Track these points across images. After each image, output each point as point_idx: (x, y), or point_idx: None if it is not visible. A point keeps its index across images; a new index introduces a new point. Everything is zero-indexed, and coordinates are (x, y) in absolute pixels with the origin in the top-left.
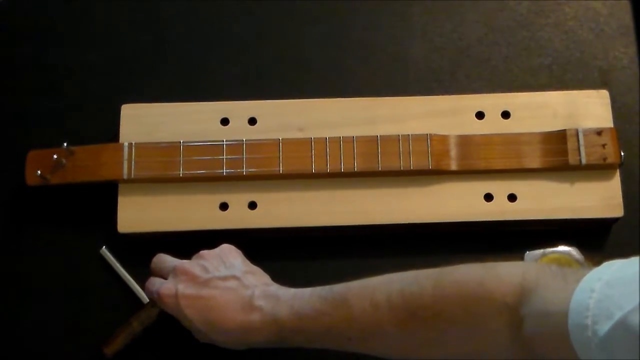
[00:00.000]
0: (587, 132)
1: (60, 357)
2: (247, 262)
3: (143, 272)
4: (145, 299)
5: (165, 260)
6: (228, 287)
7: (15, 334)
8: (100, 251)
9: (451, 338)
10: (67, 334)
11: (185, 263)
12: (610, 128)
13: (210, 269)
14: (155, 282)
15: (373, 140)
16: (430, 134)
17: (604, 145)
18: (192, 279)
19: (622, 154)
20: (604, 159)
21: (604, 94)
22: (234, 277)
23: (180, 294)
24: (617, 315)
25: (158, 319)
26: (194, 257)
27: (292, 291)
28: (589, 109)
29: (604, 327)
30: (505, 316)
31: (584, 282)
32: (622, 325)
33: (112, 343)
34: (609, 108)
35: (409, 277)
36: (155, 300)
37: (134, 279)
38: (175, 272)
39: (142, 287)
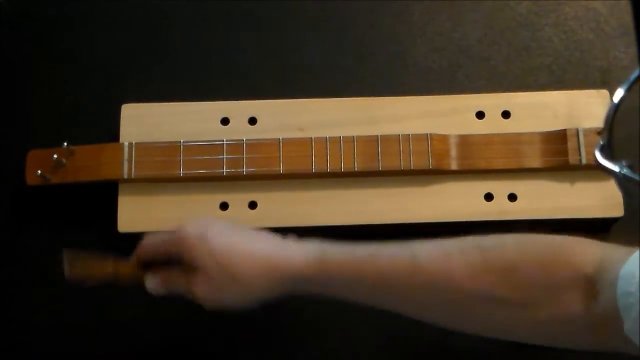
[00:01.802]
0: (588, 132)
1: (60, 357)
2: None
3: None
4: None
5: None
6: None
7: (15, 333)
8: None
9: (522, 301)
10: (67, 334)
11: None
12: None
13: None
14: (162, 233)
15: (373, 140)
16: (430, 134)
17: None
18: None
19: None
20: None
21: (604, 94)
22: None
23: (209, 228)
24: None
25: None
26: None
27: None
28: (589, 109)
29: None
30: (582, 287)
31: (636, 254)
32: None
33: (77, 265)
34: None
35: (486, 236)
36: (170, 246)
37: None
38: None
39: None
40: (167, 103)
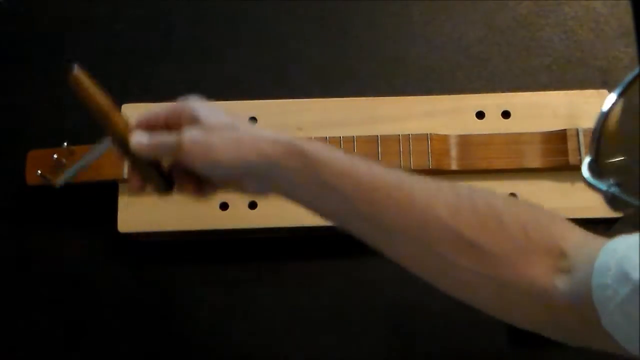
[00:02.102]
0: (587, 132)
1: (60, 357)
2: None
3: (144, 272)
4: None
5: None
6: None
7: (15, 333)
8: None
9: (491, 251)
10: (67, 334)
11: None
12: None
13: None
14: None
15: (373, 140)
16: (430, 134)
17: None
18: None
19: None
20: None
21: (604, 94)
22: None
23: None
24: (635, 277)
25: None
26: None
27: None
28: (589, 109)
29: (624, 289)
30: (554, 259)
31: (610, 242)
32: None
33: (85, 76)
34: None
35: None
36: (178, 105)
37: (137, 278)
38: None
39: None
40: (167, 103)
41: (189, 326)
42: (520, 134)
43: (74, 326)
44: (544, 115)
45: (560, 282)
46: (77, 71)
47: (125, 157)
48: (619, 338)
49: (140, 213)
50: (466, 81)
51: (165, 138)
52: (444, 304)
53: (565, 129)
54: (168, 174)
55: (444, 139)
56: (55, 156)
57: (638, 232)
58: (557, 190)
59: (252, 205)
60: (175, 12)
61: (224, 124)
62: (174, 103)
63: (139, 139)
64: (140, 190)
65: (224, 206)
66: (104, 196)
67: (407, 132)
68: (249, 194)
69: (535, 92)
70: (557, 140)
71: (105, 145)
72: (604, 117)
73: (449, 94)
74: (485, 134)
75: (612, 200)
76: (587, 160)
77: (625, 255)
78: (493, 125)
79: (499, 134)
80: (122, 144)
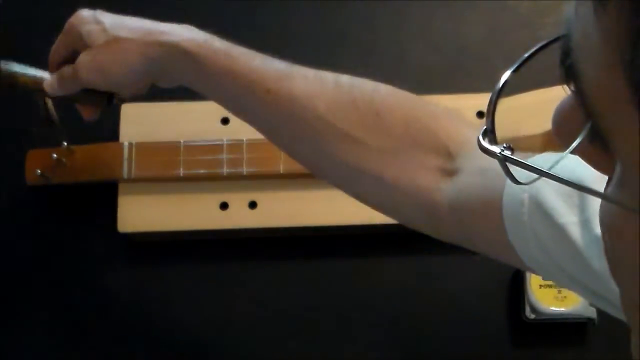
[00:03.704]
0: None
1: (60, 357)
2: None
3: (144, 272)
4: None
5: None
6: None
7: (15, 333)
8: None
9: (378, 147)
10: (67, 334)
11: None
12: None
13: None
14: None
15: None
16: None
17: None
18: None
19: None
20: None
21: None
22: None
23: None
24: (557, 220)
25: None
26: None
27: None
28: None
29: (547, 230)
30: (440, 158)
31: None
32: (561, 233)
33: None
34: None
35: (365, 80)
36: (68, 25)
37: (137, 278)
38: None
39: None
40: (167, 103)
41: (188, 326)
42: (520, 134)
43: (74, 326)
44: (544, 114)
45: (444, 184)
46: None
47: (60, 99)
48: (532, 266)
49: (140, 213)
50: (466, 81)
51: (65, 72)
52: (445, 304)
53: None
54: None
55: None
56: (54, 156)
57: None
58: None
59: (252, 205)
60: (175, 12)
61: (107, 38)
62: (63, 31)
63: (48, 84)
64: (93, 115)
65: (224, 206)
66: (104, 196)
67: None
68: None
69: (535, 92)
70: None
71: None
72: (498, 92)
73: (449, 94)
74: None
75: (504, 163)
76: (482, 129)
77: (541, 195)
78: None
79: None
80: (42, 95)
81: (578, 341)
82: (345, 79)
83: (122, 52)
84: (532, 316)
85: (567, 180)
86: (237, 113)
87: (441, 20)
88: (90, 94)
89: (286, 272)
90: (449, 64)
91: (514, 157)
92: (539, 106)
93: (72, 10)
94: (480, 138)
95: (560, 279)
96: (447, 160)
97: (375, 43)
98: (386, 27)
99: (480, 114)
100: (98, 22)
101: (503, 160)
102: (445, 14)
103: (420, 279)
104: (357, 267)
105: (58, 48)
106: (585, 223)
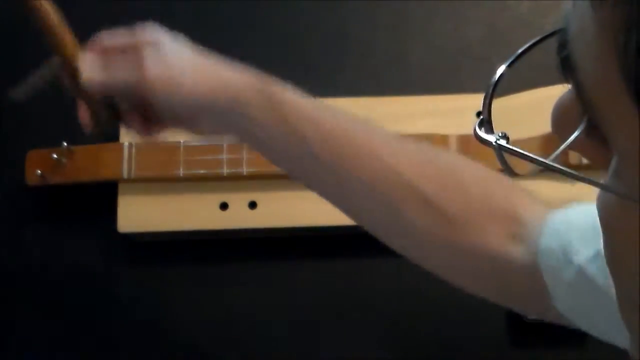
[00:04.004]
0: None
1: (60, 357)
2: None
3: (143, 272)
4: None
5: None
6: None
7: (14, 333)
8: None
9: (448, 209)
10: (67, 334)
11: None
12: None
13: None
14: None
15: None
16: (430, 134)
17: None
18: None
19: None
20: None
21: None
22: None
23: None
24: (576, 260)
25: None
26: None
27: None
28: None
29: (569, 273)
30: (509, 224)
31: (552, 221)
32: (582, 274)
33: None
34: None
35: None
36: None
37: (137, 278)
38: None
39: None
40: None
41: (188, 326)
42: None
43: (74, 326)
44: (545, 114)
45: (514, 250)
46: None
47: (71, 87)
48: (571, 317)
49: (140, 213)
50: (466, 81)
51: (123, 69)
52: (443, 304)
53: None
54: (113, 105)
55: (445, 138)
56: (54, 156)
57: (576, 205)
58: (557, 190)
59: (252, 205)
60: (175, 12)
61: (186, 53)
62: (132, 30)
63: (90, 74)
64: (95, 129)
65: (224, 206)
66: (104, 196)
67: (407, 132)
68: (198, 134)
69: (535, 91)
70: (557, 139)
71: (52, 69)
72: (494, 85)
73: (449, 94)
74: None
75: (499, 152)
76: (479, 119)
77: (567, 239)
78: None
79: None
80: (70, 69)
81: (578, 341)
82: (426, 143)
83: (202, 71)
84: (532, 316)
85: (563, 169)
86: (295, 165)
87: (441, 20)
88: (114, 104)
89: (286, 272)
90: (449, 64)
91: (509, 146)
92: (534, 106)
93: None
94: (477, 128)
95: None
96: (518, 226)
97: (375, 43)
98: (386, 27)
99: (480, 114)
100: (173, 37)
101: (498, 149)
102: (445, 14)
103: (420, 279)
104: (357, 267)
105: (117, 39)
106: (598, 254)
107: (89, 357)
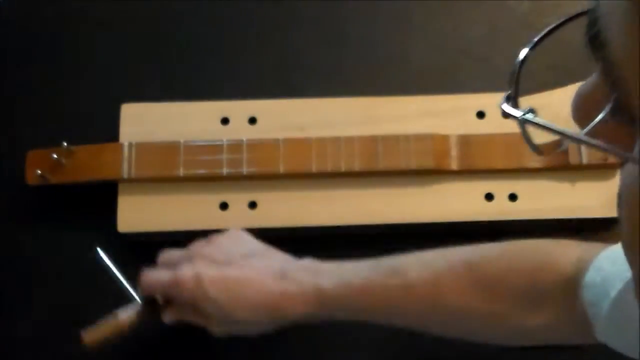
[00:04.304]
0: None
1: (60, 357)
2: (262, 242)
3: None
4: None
5: (173, 252)
6: (254, 264)
7: (14, 333)
8: (96, 254)
9: (509, 311)
10: (67, 334)
11: (198, 246)
12: None
13: (229, 249)
14: (161, 273)
15: (374, 140)
16: (430, 134)
17: None
18: (212, 260)
19: None
20: (605, 159)
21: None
22: (257, 255)
23: (202, 274)
24: (612, 293)
25: (153, 322)
26: (205, 241)
27: (333, 263)
28: None
29: (606, 305)
30: (564, 289)
31: (597, 259)
32: (618, 304)
33: (92, 331)
34: None
35: (469, 249)
36: (169, 288)
37: (136, 276)
38: (190, 256)
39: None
40: (167, 103)
41: (188, 326)
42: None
43: (74, 326)
44: (544, 114)
45: (576, 305)
46: (87, 338)
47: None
48: (617, 347)
49: (140, 213)
50: (466, 81)
51: (193, 321)
52: None
53: None
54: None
55: (445, 138)
56: (55, 156)
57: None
58: (558, 190)
59: (252, 206)
60: (176, 12)
61: (227, 317)
62: (169, 276)
63: (170, 322)
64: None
65: (224, 206)
66: (104, 196)
67: (407, 132)
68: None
69: (535, 91)
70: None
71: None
72: (519, 65)
73: (449, 94)
74: (485, 134)
75: (523, 126)
76: (506, 95)
77: (610, 273)
78: (493, 125)
79: (500, 133)
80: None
81: None
82: (456, 257)
83: (252, 304)
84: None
85: (592, 142)
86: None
87: (441, 20)
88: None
89: None
90: (449, 64)
91: (535, 120)
92: (540, 106)
93: (73, 10)
94: (503, 101)
95: None
96: (571, 285)
97: (376, 43)
98: (386, 27)
99: (480, 114)
100: (206, 292)
101: (523, 123)
102: (445, 14)
103: None
104: None
105: (156, 289)
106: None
107: (90, 357)
